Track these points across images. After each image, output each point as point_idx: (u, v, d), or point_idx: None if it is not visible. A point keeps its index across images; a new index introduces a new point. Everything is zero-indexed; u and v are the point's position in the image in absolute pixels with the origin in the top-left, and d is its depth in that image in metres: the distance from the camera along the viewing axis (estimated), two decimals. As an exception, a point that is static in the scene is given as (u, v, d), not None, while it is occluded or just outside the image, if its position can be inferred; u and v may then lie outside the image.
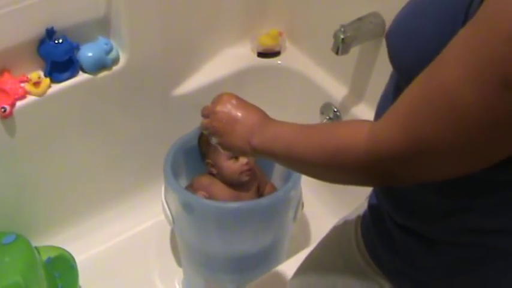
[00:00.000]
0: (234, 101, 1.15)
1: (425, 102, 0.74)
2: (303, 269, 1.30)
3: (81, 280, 2.03)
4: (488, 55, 0.66)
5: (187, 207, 1.91)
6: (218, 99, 1.18)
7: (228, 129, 1.14)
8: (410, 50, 0.83)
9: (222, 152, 1.95)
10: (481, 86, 0.67)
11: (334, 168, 0.92)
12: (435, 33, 0.78)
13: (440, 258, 0.96)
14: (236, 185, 2.03)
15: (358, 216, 1.16)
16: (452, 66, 0.70)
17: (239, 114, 1.13)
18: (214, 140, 1.19)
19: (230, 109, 1.14)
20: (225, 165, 2.00)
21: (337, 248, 1.20)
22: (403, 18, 0.88)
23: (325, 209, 2.33)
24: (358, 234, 1.14)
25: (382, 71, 1.00)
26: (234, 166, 2.00)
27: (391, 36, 0.89)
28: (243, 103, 1.16)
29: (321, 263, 1.24)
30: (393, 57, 0.88)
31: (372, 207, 1.10)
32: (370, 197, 1.12)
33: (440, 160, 0.76)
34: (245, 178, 2.01)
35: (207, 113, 1.19)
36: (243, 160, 1.99)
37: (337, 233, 1.24)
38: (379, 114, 1.00)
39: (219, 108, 1.15)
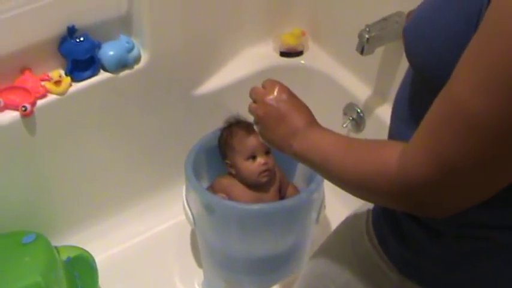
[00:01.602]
0: (284, 96, 1.14)
1: (445, 122, 0.74)
2: (314, 256, 1.31)
3: (101, 280, 2.02)
4: (496, 60, 0.66)
5: (208, 208, 1.90)
6: (270, 88, 1.16)
7: (272, 125, 1.13)
8: (424, 47, 0.83)
9: (238, 152, 1.95)
10: (492, 92, 0.67)
11: (365, 191, 0.92)
12: (449, 32, 0.77)
13: (445, 249, 0.97)
14: (256, 187, 2.00)
15: (370, 208, 1.16)
16: (463, 79, 0.70)
17: (287, 112, 1.12)
18: (256, 127, 1.19)
19: (279, 105, 1.13)
20: (243, 166, 1.98)
21: (349, 236, 1.21)
22: (420, 14, 0.88)
23: (347, 211, 2.28)
24: (369, 222, 1.14)
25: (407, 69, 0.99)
26: (251, 167, 1.97)
27: (407, 32, 0.89)
28: (293, 100, 1.14)
29: (332, 251, 1.24)
30: (408, 53, 0.88)
31: None
32: None
33: (469, 181, 0.76)
34: (263, 179, 1.98)
35: (255, 98, 1.18)
36: (260, 160, 1.96)
37: (348, 222, 1.25)
38: (395, 109, 1.02)
39: (269, 99, 1.14)
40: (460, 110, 0.71)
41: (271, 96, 1.14)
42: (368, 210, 1.16)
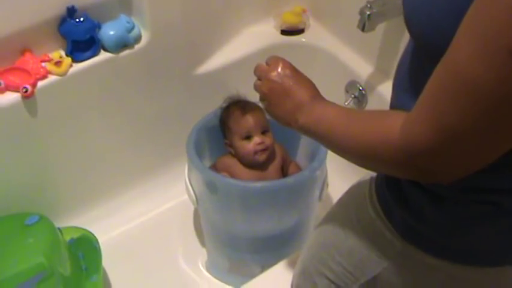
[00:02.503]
0: (288, 72, 1.16)
1: (444, 90, 0.74)
2: (318, 226, 1.34)
3: (105, 260, 2.01)
4: (491, 26, 0.67)
5: (211, 186, 1.89)
6: (274, 64, 1.18)
7: (277, 101, 1.15)
8: (423, 16, 0.82)
9: (234, 132, 1.94)
10: (490, 58, 0.67)
11: (370, 160, 0.94)
12: (447, 1, 0.77)
13: (446, 213, 0.98)
14: (255, 166, 1.99)
15: (372, 176, 1.18)
16: (461, 46, 0.71)
17: (291, 87, 1.14)
18: (262, 104, 1.21)
19: (283, 80, 1.15)
20: (239, 145, 1.97)
21: (352, 204, 1.22)
22: None
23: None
24: (372, 190, 1.15)
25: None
26: (247, 146, 1.96)
27: (406, 1, 0.88)
28: (297, 75, 1.16)
29: (336, 220, 1.26)
30: (407, 23, 0.88)
31: None
32: None
33: (470, 148, 0.76)
34: (260, 158, 1.97)
35: (259, 75, 1.20)
36: (256, 140, 1.95)
37: (352, 192, 1.27)
38: (397, 80, 1.02)
39: (272, 76, 1.16)
40: (459, 77, 0.71)
41: (275, 73, 1.16)
42: (371, 179, 1.17)
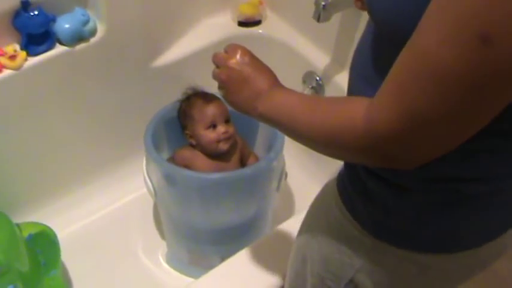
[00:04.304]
0: (247, 59, 1.14)
1: (412, 75, 0.74)
2: (295, 241, 1.31)
3: (64, 255, 2.00)
4: (461, 11, 0.66)
5: (169, 179, 1.89)
6: (232, 51, 1.15)
7: (235, 88, 1.13)
8: (387, 1, 0.81)
9: (198, 121, 1.94)
10: (459, 44, 0.67)
11: (334, 148, 0.92)
12: None
13: (410, 204, 0.98)
14: (217, 156, 1.99)
15: (336, 176, 1.17)
16: (430, 31, 0.70)
17: (250, 75, 1.12)
18: (221, 92, 1.18)
19: (242, 68, 1.12)
20: (203, 134, 1.97)
21: (320, 209, 1.21)
22: None
23: (309, 178, 2.31)
24: (336, 189, 1.14)
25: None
26: (211, 135, 1.96)
27: None
28: (256, 63, 1.14)
29: (308, 230, 1.24)
30: (370, 8, 0.87)
31: (346, 162, 1.11)
32: None
33: (435, 133, 0.76)
34: (223, 147, 1.97)
35: (218, 62, 1.17)
36: (220, 129, 1.95)
37: (319, 195, 1.25)
38: (355, 67, 1.02)
39: (231, 63, 1.14)
40: (427, 62, 0.71)
41: (233, 60, 1.14)
42: (334, 181, 1.16)
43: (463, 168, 0.90)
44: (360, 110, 0.83)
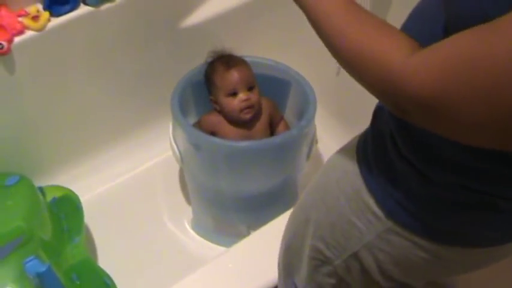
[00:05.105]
0: None
1: (470, 66, 0.66)
2: (300, 200, 1.26)
3: (87, 219, 1.97)
4: None
5: (195, 146, 1.85)
6: None
7: None
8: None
9: (219, 88, 1.88)
10: None
11: (354, 69, 0.86)
12: None
13: (433, 195, 0.93)
14: (241, 124, 1.94)
15: (358, 144, 1.09)
16: (508, 36, 0.63)
17: None
18: None
19: None
20: (224, 102, 1.91)
21: (334, 171, 1.14)
22: None
23: (340, 143, 2.24)
24: (357, 159, 1.07)
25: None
26: (232, 103, 1.90)
27: None
28: None
29: (317, 191, 1.18)
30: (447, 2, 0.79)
31: (375, 132, 1.04)
32: (377, 119, 1.05)
33: (462, 127, 0.71)
34: (245, 116, 1.91)
35: None
36: (242, 96, 1.89)
37: (335, 160, 1.17)
38: (408, 25, 0.94)
39: None
40: (493, 65, 0.64)
41: None
42: (356, 147, 1.09)
43: (505, 190, 0.87)
44: (402, 51, 0.78)
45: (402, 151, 0.94)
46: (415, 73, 0.73)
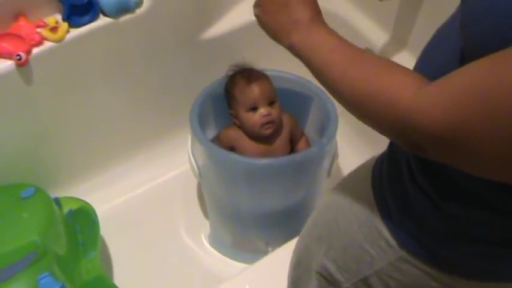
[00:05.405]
0: None
1: (482, 97, 0.63)
2: (314, 215, 1.25)
3: (103, 231, 1.96)
4: None
5: (214, 161, 1.82)
6: None
7: (273, 9, 1.07)
8: (486, 25, 0.68)
9: (240, 102, 1.85)
10: None
11: (361, 112, 0.84)
12: None
13: (448, 224, 0.90)
14: (261, 139, 1.90)
15: (373, 170, 1.07)
16: None
17: (293, 0, 1.03)
18: (255, 11, 1.12)
19: None
20: (245, 117, 1.87)
21: (349, 195, 1.12)
22: None
23: (361, 159, 2.21)
24: (371, 185, 1.05)
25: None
26: (253, 118, 1.86)
27: (466, 7, 0.74)
28: None
29: (330, 210, 1.16)
30: (465, 28, 0.74)
31: (392, 155, 1.01)
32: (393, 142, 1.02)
33: (479, 161, 0.68)
34: (266, 132, 1.87)
35: None
36: (262, 111, 1.85)
37: (350, 181, 1.17)
38: (422, 64, 0.91)
39: None
40: (506, 96, 0.61)
41: None
42: (371, 172, 1.07)
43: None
44: (409, 88, 0.75)
45: (417, 179, 0.92)
46: (424, 109, 0.71)
